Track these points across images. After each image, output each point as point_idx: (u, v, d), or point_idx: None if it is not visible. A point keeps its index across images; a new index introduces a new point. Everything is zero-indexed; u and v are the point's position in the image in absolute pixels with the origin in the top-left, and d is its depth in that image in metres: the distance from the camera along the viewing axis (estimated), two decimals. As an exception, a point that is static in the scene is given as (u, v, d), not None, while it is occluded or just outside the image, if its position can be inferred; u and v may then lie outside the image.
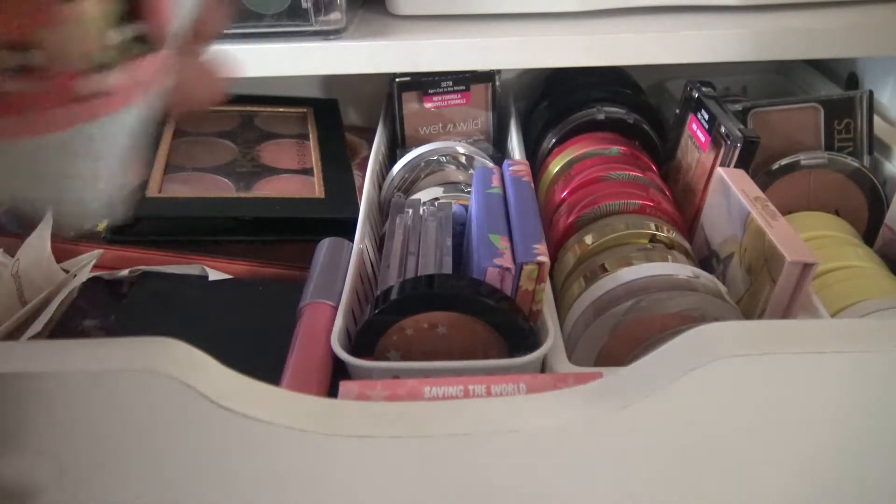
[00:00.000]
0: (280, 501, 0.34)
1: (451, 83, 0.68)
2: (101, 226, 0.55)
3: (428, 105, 0.68)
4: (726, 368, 0.31)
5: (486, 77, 0.68)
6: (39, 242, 0.49)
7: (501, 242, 0.42)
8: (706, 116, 0.57)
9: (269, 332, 0.46)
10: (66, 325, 0.47)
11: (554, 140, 0.64)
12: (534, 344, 0.41)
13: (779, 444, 0.33)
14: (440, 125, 0.69)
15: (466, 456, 0.32)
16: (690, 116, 0.60)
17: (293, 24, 0.57)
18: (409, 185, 0.60)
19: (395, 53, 0.58)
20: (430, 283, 0.41)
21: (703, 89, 0.60)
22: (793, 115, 0.59)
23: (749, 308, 0.46)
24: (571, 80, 0.70)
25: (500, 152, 0.68)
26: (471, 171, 0.60)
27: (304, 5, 0.56)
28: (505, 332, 0.41)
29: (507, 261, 0.41)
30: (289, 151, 0.67)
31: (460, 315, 0.40)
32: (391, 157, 0.67)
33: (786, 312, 0.44)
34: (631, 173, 0.56)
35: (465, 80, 0.68)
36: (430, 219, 0.49)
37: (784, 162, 0.57)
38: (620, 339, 0.44)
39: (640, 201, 0.52)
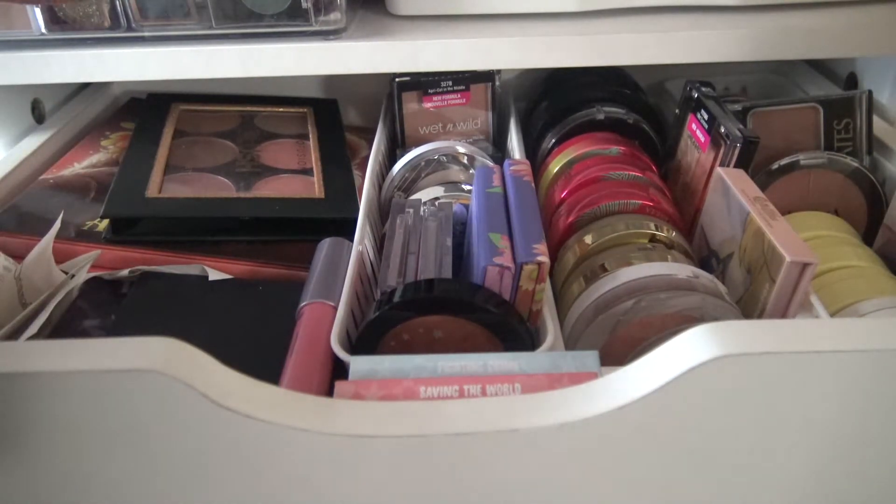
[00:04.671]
0: (280, 501, 0.34)
1: (450, 83, 0.68)
2: (102, 226, 0.55)
3: (428, 105, 0.68)
4: (725, 368, 0.31)
5: (486, 77, 0.68)
6: (42, 244, 0.49)
7: (501, 241, 0.43)
8: (706, 116, 0.57)
9: (269, 332, 0.46)
10: (66, 326, 0.47)
11: (554, 140, 0.64)
12: (531, 347, 0.41)
13: (778, 443, 0.33)
14: (440, 125, 0.69)
15: (466, 455, 0.32)
16: (690, 116, 0.60)
17: (293, 24, 0.57)
18: (410, 184, 0.60)
19: (395, 53, 0.58)
20: (429, 287, 0.41)
21: (703, 89, 0.60)
22: (792, 114, 0.59)
23: (748, 308, 0.46)
24: (571, 80, 0.70)
25: (500, 152, 0.69)
26: (471, 170, 0.61)
27: (304, 5, 0.56)
28: (502, 336, 0.41)
29: (506, 260, 0.41)
30: (289, 151, 0.67)
31: (457, 319, 0.40)
32: (391, 157, 0.67)
33: (785, 312, 0.44)
34: (631, 173, 0.56)
35: (464, 79, 0.68)
36: (431, 219, 0.50)
37: (783, 162, 0.57)
38: (620, 339, 0.44)
39: (640, 201, 0.52)
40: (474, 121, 0.70)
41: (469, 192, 0.56)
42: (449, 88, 0.68)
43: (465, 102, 0.69)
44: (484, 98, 0.69)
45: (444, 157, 0.61)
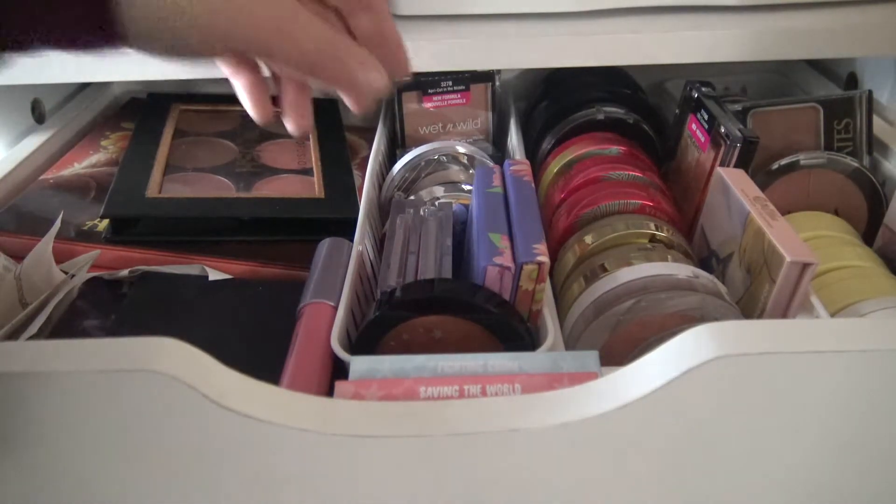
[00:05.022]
0: (280, 501, 0.34)
1: (450, 83, 0.68)
2: (102, 226, 0.55)
3: (427, 105, 0.68)
4: (725, 368, 0.31)
5: (486, 77, 0.68)
6: (42, 244, 0.49)
7: (501, 241, 0.43)
8: (706, 116, 0.57)
9: (269, 332, 0.46)
10: (66, 326, 0.47)
11: (554, 140, 0.64)
12: (531, 347, 0.41)
13: (778, 443, 0.33)
14: (440, 125, 0.69)
15: (466, 455, 0.32)
16: (690, 116, 0.60)
17: None
18: (410, 184, 0.60)
19: (394, 53, 0.58)
20: (429, 287, 0.41)
21: (703, 89, 0.60)
22: (792, 114, 0.59)
23: (748, 308, 0.46)
24: (571, 80, 0.70)
25: (499, 152, 0.68)
26: (471, 170, 0.60)
27: (304, 5, 0.56)
28: (502, 336, 0.41)
29: (506, 260, 0.41)
30: (289, 151, 0.67)
31: (457, 319, 0.40)
32: (391, 157, 0.67)
33: (785, 312, 0.44)
34: (631, 173, 0.56)
35: (464, 79, 0.68)
36: (431, 218, 0.50)
37: (783, 162, 0.57)
38: (620, 339, 0.44)
39: (640, 201, 0.52)
40: (474, 121, 0.70)
41: (469, 192, 0.56)
42: (449, 88, 0.68)
43: (466, 103, 0.69)
44: (484, 98, 0.69)
45: (444, 157, 0.60)
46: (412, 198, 0.56)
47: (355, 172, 0.65)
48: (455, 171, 0.60)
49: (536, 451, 0.32)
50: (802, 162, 0.56)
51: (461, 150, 0.61)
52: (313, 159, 0.66)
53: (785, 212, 0.55)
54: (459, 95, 0.68)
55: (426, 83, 0.67)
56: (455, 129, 0.70)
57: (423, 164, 0.60)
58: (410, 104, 0.68)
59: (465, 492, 0.33)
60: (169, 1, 0.26)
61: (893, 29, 0.58)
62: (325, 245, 0.51)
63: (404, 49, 0.36)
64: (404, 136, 0.69)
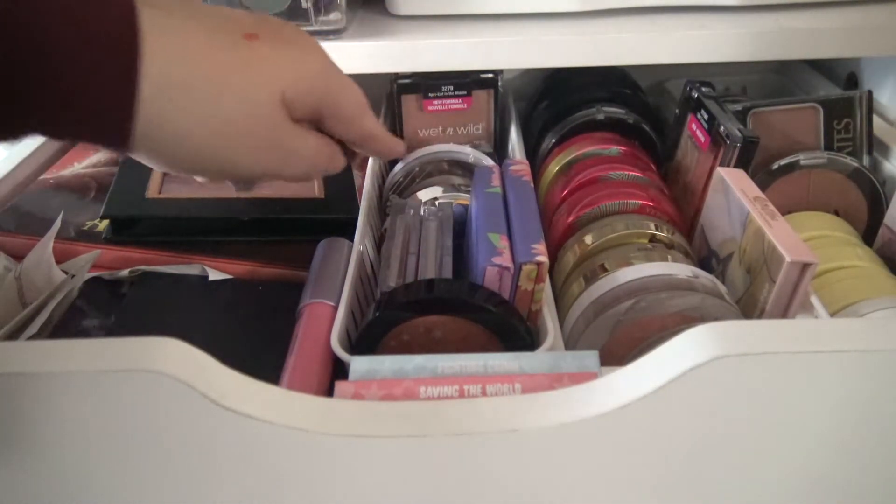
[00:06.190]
0: (279, 501, 0.34)
1: (451, 88, 0.67)
2: (102, 226, 0.55)
3: (428, 108, 0.68)
4: (725, 368, 0.31)
5: (489, 83, 0.67)
6: (42, 244, 0.49)
7: (501, 241, 0.43)
8: (706, 116, 0.57)
9: (269, 332, 0.46)
10: (66, 326, 0.47)
11: (554, 140, 0.64)
12: (531, 347, 0.41)
13: (777, 443, 0.33)
14: (440, 128, 0.69)
15: (466, 455, 0.32)
16: (690, 116, 0.60)
17: (293, 24, 0.57)
18: (410, 182, 0.60)
19: (395, 53, 0.58)
20: (429, 287, 0.41)
21: (703, 89, 0.60)
22: (792, 114, 0.59)
23: (748, 308, 0.46)
24: (571, 80, 0.70)
25: (500, 153, 0.68)
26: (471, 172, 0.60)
27: (304, 5, 0.56)
28: (502, 336, 0.41)
29: (505, 260, 0.41)
30: (289, 151, 0.67)
31: (457, 319, 0.40)
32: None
33: (785, 312, 0.44)
34: (631, 173, 0.56)
35: (466, 85, 0.67)
36: (431, 219, 0.50)
37: (783, 162, 0.57)
38: (620, 339, 0.44)
39: (640, 201, 0.52)
40: (476, 126, 0.69)
41: (468, 192, 0.56)
42: (450, 93, 0.67)
43: (467, 108, 0.68)
44: (486, 104, 0.69)
45: (446, 165, 0.60)
46: (411, 199, 0.56)
47: (355, 172, 0.65)
48: (457, 178, 0.59)
49: (536, 451, 0.32)
50: (802, 162, 0.56)
51: (467, 157, 0.60)
52: (313, 159, 0.66)
53: (785, 212, 0.55)
54: (461, 101, 0.68)
55: (427, 86, 0.67)
56: (455, 133, 0.69)
57: (417, 169, 0.60)
58: (410, 106, 0.68)
59: (464, 492, 0.33)
60: (175, 129, 0.29)
61: (893, 29, 0.58)
62: (324, 245, 0.51)
63: (390, 138, 0.44)
64: (404, 137, 0.69)
